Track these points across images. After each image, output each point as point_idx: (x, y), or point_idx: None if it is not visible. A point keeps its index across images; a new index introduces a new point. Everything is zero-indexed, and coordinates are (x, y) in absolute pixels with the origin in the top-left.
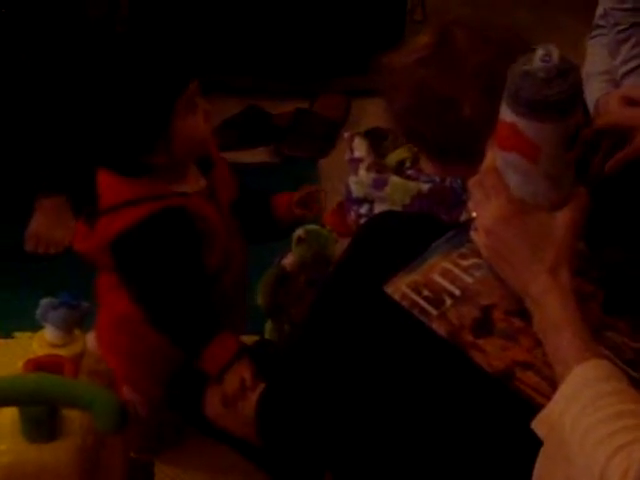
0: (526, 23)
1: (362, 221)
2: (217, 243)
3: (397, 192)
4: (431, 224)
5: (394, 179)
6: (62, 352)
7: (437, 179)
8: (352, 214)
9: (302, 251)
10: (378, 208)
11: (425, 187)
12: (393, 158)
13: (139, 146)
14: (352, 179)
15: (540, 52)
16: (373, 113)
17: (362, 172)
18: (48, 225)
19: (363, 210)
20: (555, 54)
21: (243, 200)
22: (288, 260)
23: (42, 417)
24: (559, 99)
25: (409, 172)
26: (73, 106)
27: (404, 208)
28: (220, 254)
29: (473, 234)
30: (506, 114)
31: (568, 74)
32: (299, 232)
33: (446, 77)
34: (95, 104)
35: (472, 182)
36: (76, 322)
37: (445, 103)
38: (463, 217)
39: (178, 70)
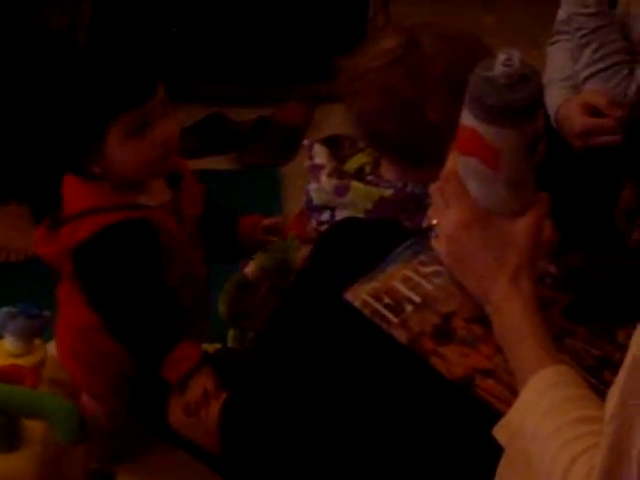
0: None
1: (323, 228)
2: (178, 256)
3: (359, 198)
4: (392, 231)
5: (356, 185)
6: (22, 362)
7: (399, 184)
8: (313, 222)
9: (264, 259)
10: (340, 215)
11: (388, 192)
12: (353, 164)
13: (75, 146)
14: (312, 186)
15: (502, 57)
16: (336, 120)
17: (324, 179)
18: (8, 233)
19: (324, 217)
20: (516, 59)
21: (209, 216)
22: (250, 268)
23: (2, 427)
24: (520, 105)
25: (369, 178)
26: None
27: (366, 214)
28: (181, 267)
29: (433, 241)
30: (467, 119)
31: (529, 80)
32: None
33: (413, 80)
34: (39, 109)
35: (433, 188)
36: (36, 332)
37: (411, 106)
38: (425, 223)
39: (113, 95)
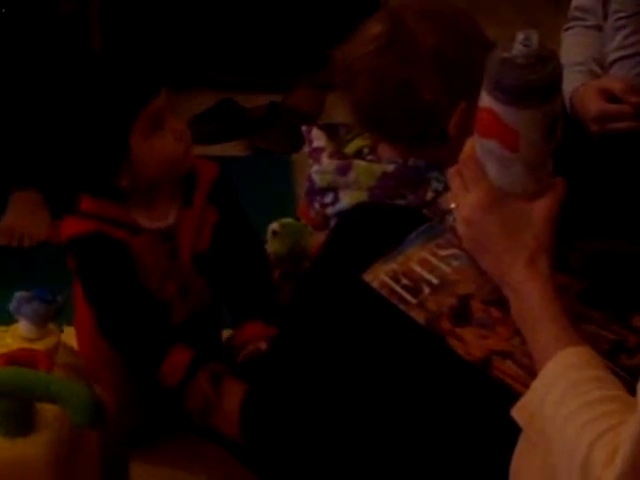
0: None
1: (328, 211)
2: (152, 281)
3: (362, 175)
4: (409, 215)
5: (358, 162)
6: (36, 346)
7: (400, 160)
8: (316, 205)
9: (277, 245)
10: (343, 195)
11: (390, 167)
12: (351, 148)
13: (101, 167)
14: (314, 169)
15: (520, 37)
16: (345, 106)
17: (325, 160)
18: (21, 219)
19: (328, 199)
20: (535, 39)
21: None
22: None
23: (16, 411)
24: (539, 85)
25: (369, 158)
26: (41, 110)
27: (370, 191)
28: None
29: (454, 223)
30: (485, 100)
31: (548, 60)
32: (273, 226)
33: (402, 63)
34: (56, 121)
35: (451, 171)
36: (50, 316)
37: (404, 89)
38: (428, 196)
39: (133, 91)
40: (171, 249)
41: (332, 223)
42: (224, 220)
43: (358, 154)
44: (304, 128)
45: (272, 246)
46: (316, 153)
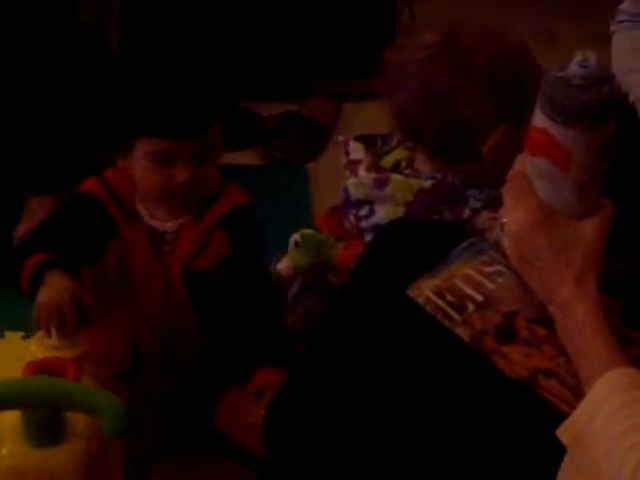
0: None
1: (363, 224)
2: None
3: (399, 190)
4: (452, 230)
5: (396, 177)
6: (63, 354)
7: (438, 176)
8: (351, 218)
9: (298, 256)
10: (379, 209)
11: (427, 183)
12: (388, 160)
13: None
14: (351, 181)
15: (578, 57)
16: (364, 117)
17: (362, 173)
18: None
19: (363, 212)
20: (593, 60)
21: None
22: (283, 264)
23: (45, 421)
24: (594, 106)
25: (407, 172)
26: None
27: (407, 206)
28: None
29: (502, 240)
30: (539, 119)
31: (605, 82)
32: (295, 237)
33: (451, 75)
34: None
35: (503, 188)
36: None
37: (447, 100)
38: (466, 214)
39: (144, 113)
40: (160, 252)
41: (367, 236)
42: (236, 252)
43: (395, 167)
44: (340, 139)
45: (294, 257)
46: (353, 165)
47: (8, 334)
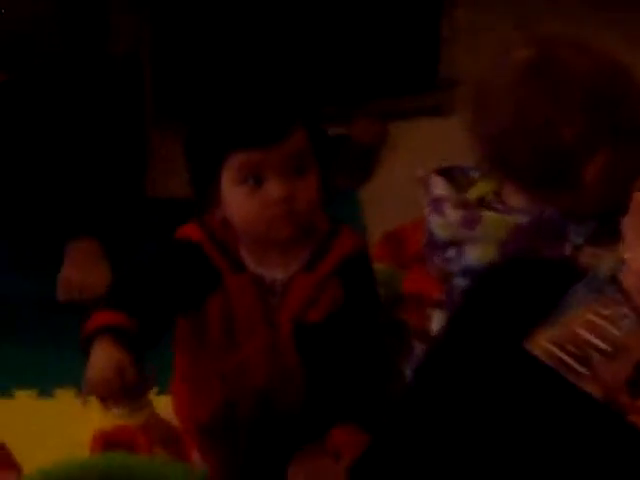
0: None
1: (451, 267)
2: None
3: (492, 228)
4: (562, 269)
5: (488, 214)
6: (129, 422)
7: (535, 211)
8: (436, 260)
9: None
10: (469, 250)
11: (523, 219)
12: (473, 194)
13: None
14: (435, 221)
15: None
16: (411, 137)
17: (449, 211)
18: (79, 270)
19: (450, 254)
20: None
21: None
22: None
23: None
24: None
25: (495, 206)
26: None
27: (500, 245)
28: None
29: (622, 277)
30: None
31: None
32: None
33: (549, 96)
34: None
35: (624, 222)
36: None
37: (546, 126)
38: (567, 251)
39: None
40: (266, 303)
41: (456, 280)
42: (348, 300)
43: (481, 201)
44: (420, 173)
45: None
46: (437, 203)
47: (59, 392)
